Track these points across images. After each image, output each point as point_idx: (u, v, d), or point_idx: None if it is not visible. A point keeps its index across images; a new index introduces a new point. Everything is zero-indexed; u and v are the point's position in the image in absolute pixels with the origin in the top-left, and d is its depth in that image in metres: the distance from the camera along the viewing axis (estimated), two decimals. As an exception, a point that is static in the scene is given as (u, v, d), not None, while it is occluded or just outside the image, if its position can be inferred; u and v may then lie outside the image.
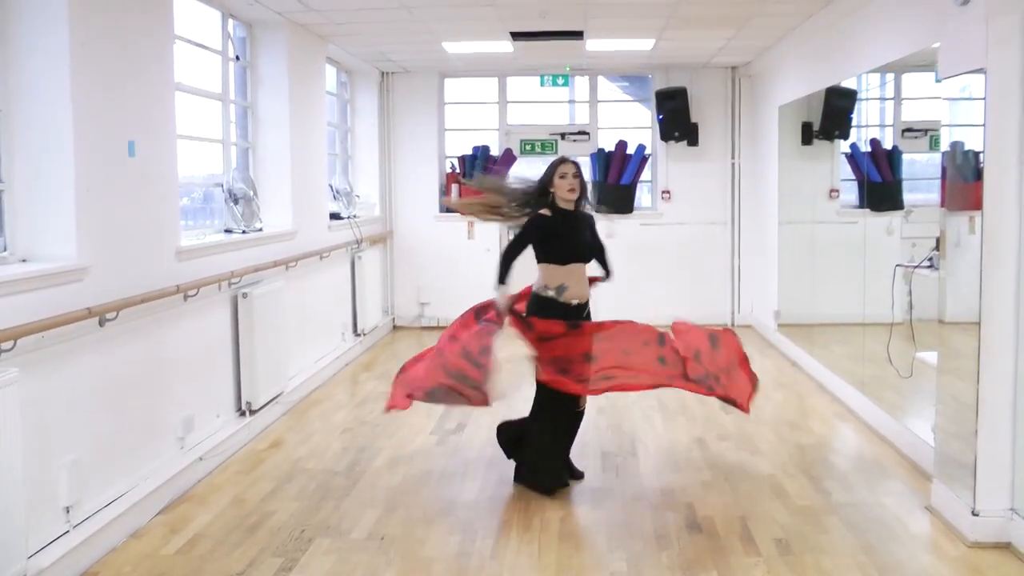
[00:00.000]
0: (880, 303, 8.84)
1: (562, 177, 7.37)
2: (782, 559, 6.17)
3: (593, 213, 7.75)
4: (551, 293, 7.36)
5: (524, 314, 7.41)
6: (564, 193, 7.37)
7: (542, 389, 7.48)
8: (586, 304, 7.50)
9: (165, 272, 7.52)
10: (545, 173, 7.48)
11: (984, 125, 6.24)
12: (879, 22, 9.08)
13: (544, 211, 7.41)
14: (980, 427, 6.34)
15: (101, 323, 6.50)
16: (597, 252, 7.73)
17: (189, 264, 7.96)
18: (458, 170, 15.36)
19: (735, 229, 15.40)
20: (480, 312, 7.60)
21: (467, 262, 15.23)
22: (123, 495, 6.77)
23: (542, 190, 7.46)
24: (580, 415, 7.72)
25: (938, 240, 7.08)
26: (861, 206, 10.27)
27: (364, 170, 15.31)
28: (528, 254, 7.42)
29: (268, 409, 9.46)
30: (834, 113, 11.28)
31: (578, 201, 7.48)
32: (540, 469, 7.62)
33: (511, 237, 7.50)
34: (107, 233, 6.71)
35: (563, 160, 7.47)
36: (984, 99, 6.23)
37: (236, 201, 9.52)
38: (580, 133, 15.75)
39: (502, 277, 7.36)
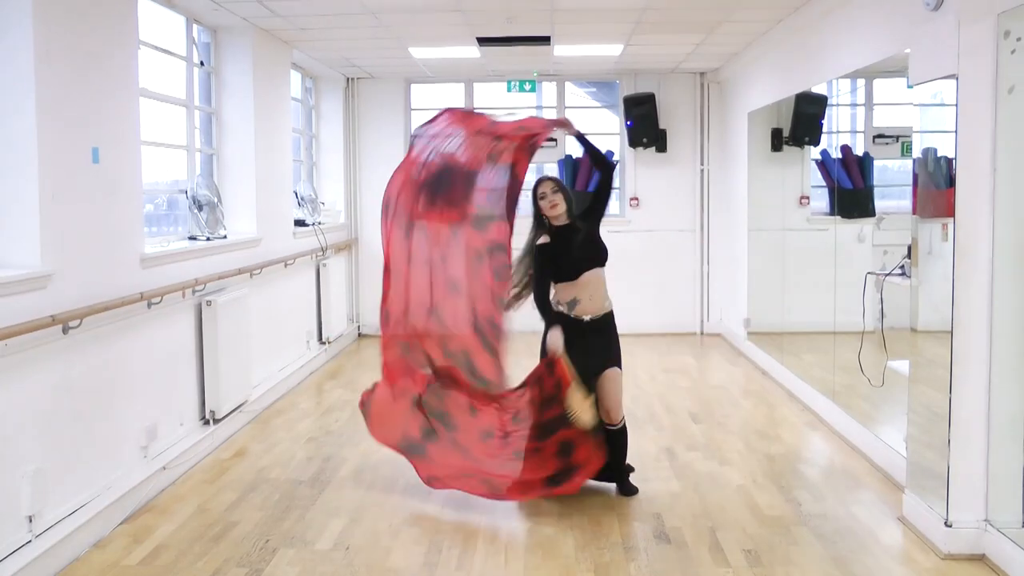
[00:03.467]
0: (851, 311, 8.86)
1: (541, 198, 7.53)
2: (751, 570, 6.18)
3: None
4: (563, 308, 7.49)
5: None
6: (549, 212, 7.52)
7: None
8: (603, 317, 7.60)
9: (129, 279, 7.49)
10: (532, 201, 7.63)
11: (956, 131, 6.28)
12: (849, 28, 9.13)
13: (543, 239, 7.53)
14: (953, 437, 6.37)
15: (64, 331, 6.46)
16: (599, 245, 7.69)
17: (153, 271, 7.93)
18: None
19: (704, 236, 15.44)
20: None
21: (433, 269, 15.17)
22: (86, 505, 6.73)
23: (537, 218, 7.61)
24: (613, 433, 7.66)
25: (910, 248, 7.11)
26: (832, 213, 10.31)
27: (329, 177, 15.30)
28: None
29: (232, 418, 9.43)
30: (804, 119, 11.32)
31: (569, 213, 7.61)
32: None
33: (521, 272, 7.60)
34: (71, 240, 6.67)
35: (538, 181, 7.61)
36: (956, 105, 6.27)
37: (200, 208, 9.48)
38: (547, 139, 15.68)
39: (549, 319, 7.46)
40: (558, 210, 7.50)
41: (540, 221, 7.60)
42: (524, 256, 7.62)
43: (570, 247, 7.49)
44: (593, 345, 7.54)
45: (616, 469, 7.69)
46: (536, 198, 7.57)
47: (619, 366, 7.69)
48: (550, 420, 7.28)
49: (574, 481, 7.35)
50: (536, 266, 7.53)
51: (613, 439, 7.61)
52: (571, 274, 7.48)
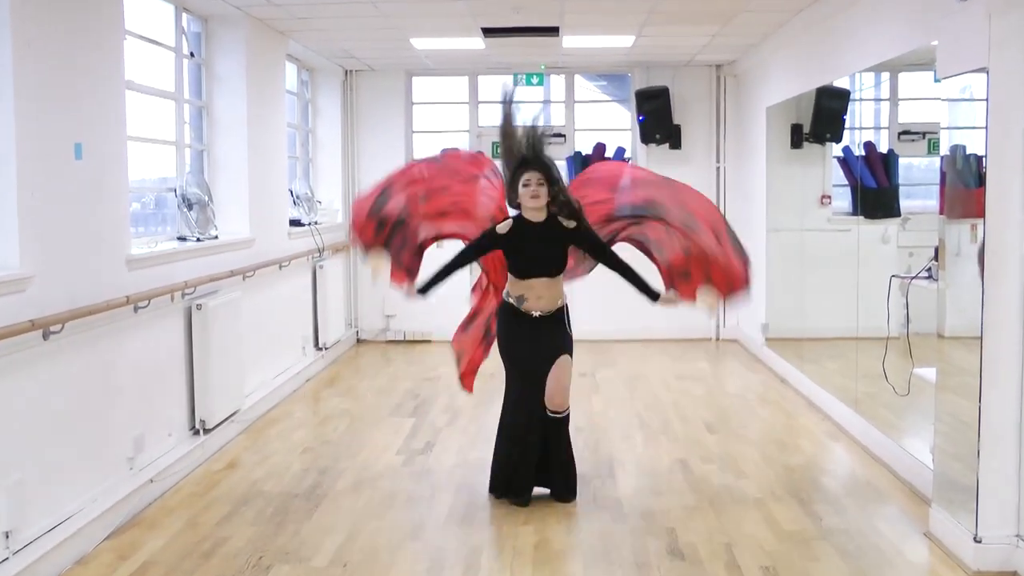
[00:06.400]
0: (875, 316, 8.85)
1: (525, 185, 7.37)
2: (771, 588, 6.17)
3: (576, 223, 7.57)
4: (511, 300, 7.60)
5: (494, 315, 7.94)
6: (527, 202, 7.40)
7: (507, 391, 7.82)
8: (553, 313, 7.60)
9: (114, 282, 7.46)
10: (509, 178, 7.55)
11: (986, 128, 6.24)
12: (873, 18, 9.09)
13: (503, 225, 7.49)
14: (982, 448, 6.33)
15: (45, 336, 6.43)
16: (556, 257, 7.58)
17: (140, 273, 7.90)
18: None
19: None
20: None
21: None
22: (68, 519, 6.69)
23: (510, 198, 7.61)
24: (555, 421, 7.70)
25: (937, 249, 7.09)
26: (854, 213, 10.28)
27: (326, 174, 15.27)
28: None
29: (224, 428, 9.40)
30: (825, 114, 11.30)
31: (553, 210, 7.48)
32: (493, 475, 7.93)
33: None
34: (52, 241, 6.65)
35: (525, 166, 7.41)
36: (986, 100, 6.23)
37: (190, 207, 9.46)
38: (556, 135, 15.67)
39: (426, 286, 7.69)
40: (537, 203, 7.37)
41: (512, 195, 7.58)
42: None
43: (532, 246, 7.47)
44: (542, 337, 7.59)
45: (555, 468, 7.81)
46: (517, 183, 7.41)
47: (570, 355, 7.70)
48: None
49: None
50: (472, 246, 7.72)
51: (553, 429, 7.71)
52: (518, 272, 7.53)
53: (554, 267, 7.53)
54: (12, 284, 6.16)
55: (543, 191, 7.33)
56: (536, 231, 7.44)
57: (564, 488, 7.77)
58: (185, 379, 8.91)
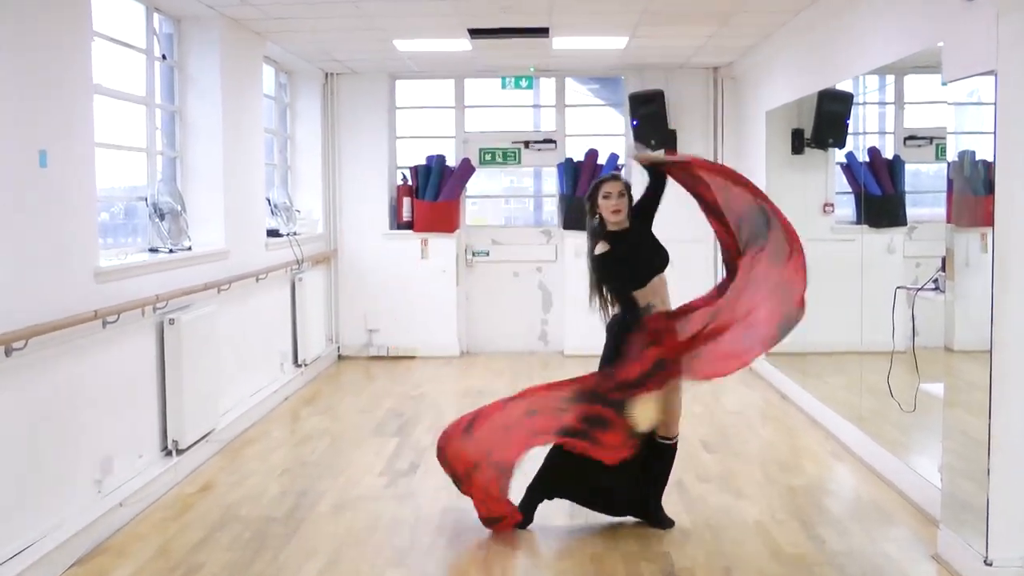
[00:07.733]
0: (880, 329, 8.84)
1: (605, 198, 7.52)
2: (772, 615, 6.15)
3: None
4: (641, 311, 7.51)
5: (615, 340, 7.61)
6: (609, 216, 7.51)
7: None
8: None
9: (81, 296, 7.42)
10: (589, 193, 7.67)
11: (995, 132, 6.24)
12: (878, 19, 9.09)
13: (601, 247, 7.54)
14: (993, 466, 6.32)
15: (8, 353, 6.39)
16: (661, 247, 7.73)
17: (109, 287, 7.86)
18: (410, 182, 15.30)
19: (718, 248, 15.35)
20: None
21: (420, 284, 15.17)
22: (31, 545, 6.64)
23: (591, 210, 7.64)
24: (668, 448, 7.68)
25: (944, 259, 7.08)
26: (858, 222, 10.28)
27: (305, 182, 15.23)
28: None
29: (197, 448, 9.35)
30: (828, 119, 11.29)
31: (630, 217, 7.61)
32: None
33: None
34: (15, 253, 6.61)
35: (604, 180, 7.66)
36: (995, 104, 6.24)
37: (162, 217, 9.43)
38: (546, 141, 15.73)
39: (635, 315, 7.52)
40: (620, 216, 7.54)
41: (595, 225, 7.63)
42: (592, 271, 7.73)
43: (637, 252, 7.55)
44: None
45: (656, 496, 7.71)
46: (598, 194, 7.56)
47: None
48: (603, 394, 7.29)
49: (581, 444, 7.28)
50: (602, 276, 7.66)
51: (663, 456, 7.63)
52: (640, 281, 7.50)
53: (666, 259, 7.65)
54: (-28, 298, 6.13)
55: (623, 202, 7.53)
56: (632, 236, 7.59)
57: (664, 517, 7.73)
58: (157, 397, 8.87)
